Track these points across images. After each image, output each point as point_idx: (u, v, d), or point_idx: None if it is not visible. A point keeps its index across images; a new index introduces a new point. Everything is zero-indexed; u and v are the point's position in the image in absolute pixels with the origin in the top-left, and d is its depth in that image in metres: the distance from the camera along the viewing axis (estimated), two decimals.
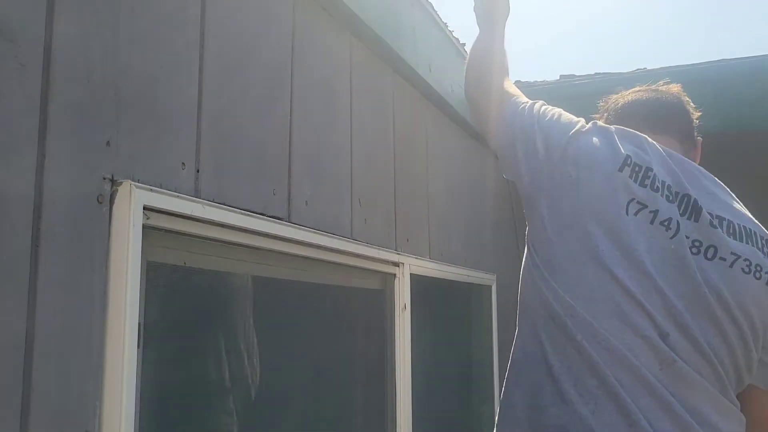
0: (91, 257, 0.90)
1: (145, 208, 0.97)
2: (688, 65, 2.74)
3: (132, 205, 0.94)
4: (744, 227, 1.20)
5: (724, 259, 1.14)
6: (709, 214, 1.16)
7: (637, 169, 1.18)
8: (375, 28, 1.76)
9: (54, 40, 0.86)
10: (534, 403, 1.17)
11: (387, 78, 1.98)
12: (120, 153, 0.95)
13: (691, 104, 1.42)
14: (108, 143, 0.93)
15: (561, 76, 3.11)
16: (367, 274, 1.82)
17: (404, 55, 1.96)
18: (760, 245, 1.19)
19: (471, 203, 2.66)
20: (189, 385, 1.15)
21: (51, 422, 0.83)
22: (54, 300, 0.84)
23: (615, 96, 1.47)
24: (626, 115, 1.39)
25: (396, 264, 1.92)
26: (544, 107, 1.34)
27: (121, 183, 0.94)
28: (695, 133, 1.41)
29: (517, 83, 3.15)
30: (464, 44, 2.48)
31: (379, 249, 1.80)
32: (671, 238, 1.14)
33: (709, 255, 1.14)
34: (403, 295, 1.94)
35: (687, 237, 1.14)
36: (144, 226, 0.97)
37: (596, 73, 3.03)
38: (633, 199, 1.16)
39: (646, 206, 1.15)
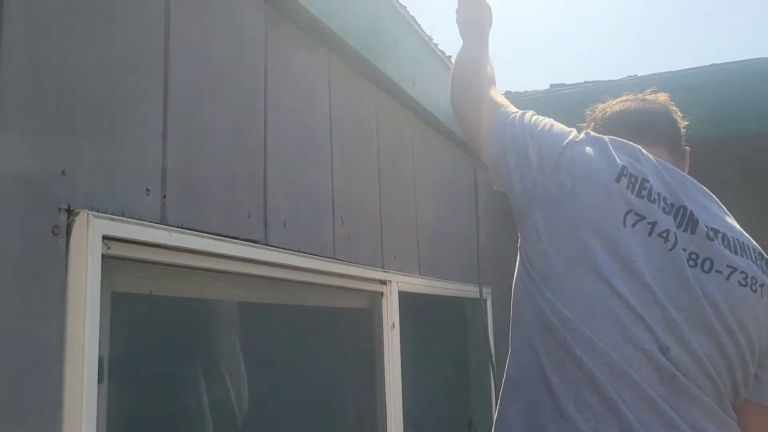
0: (47, 291, 0.87)
1: (104, 237, 0.94)
2: (678, 71, 2.73)
3: (90, 235, 0.91)
4: (737, 240, 1.19)
5: (721, 272, 1.13)
6: (706, 226, 1.15)
7: (633, 179, 1.16)
8: (354, 44, 1.74)
9: (3, 69, 0.84)
10: (531, 421, 1.13)
11: (369, 93, 1.96)
12: (77, 182, 0.93)
13: (679, 113, 1.41)
14: (63, 173, 0.91)
15: (551, 85, 3.09)
16: (352, 293, 1.79)
17: (386, 70, 1.94)
18: (753, 257, 1.19)
19: (464, 215, 2.63)
20: (160, 421, 1.12)
21: None
22: (4, 338, 0.81)
23: (602, 105, 1.45)
24: (614, 125, 1.37)
25: (383, 282, 1.89)
26: (534, 117, 1.32)
27: (78, 213, 0.91)
28: (683, 143, 1.39)
29: (507, 93, 3.13)
30: (450, 56, 2.46)
31: (364, 267, 1.77)
32: (670, 250, 1.12)
33: (706, 268, 1.13)
34: (391, 314, 1.90)
35: (684, 249, 1.13)
36: (105, 256, 0.95)
37: (586, 82, 3.01)
38: (631, 210, 1.14)
39: (644, 217, 1.13)
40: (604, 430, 1.05)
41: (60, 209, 0.90)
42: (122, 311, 1.02)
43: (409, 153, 2.21)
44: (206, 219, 1.19)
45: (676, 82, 2.63)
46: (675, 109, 1.40)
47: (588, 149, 1.21)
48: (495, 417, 1.25)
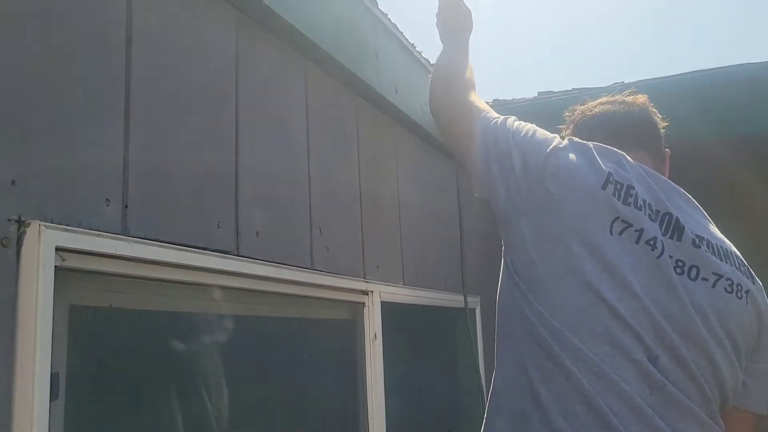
0: None
1: (58, 249, 0.91)
2: (664, 77, 2.71)
3: (41, 246, 0.88)
4: (720, 246, 1.18)
5: (707, 279, 1.12)
6: (692, 233, 1.14)
7: (619, 186, 1.15)
8: (332, 52, 1.72)
9: None
10: None
11: (348, 101, 1.94)
12: (29, 192, 0.90)
13: (658, 114, 1.39)
14: (13, 182, 0.88)
15: (539, 92, 3.08)
16: (333, 304, 1.76)
17: (367, 78, 1.92)
18: (737, 264, 1.18)
19: (450, 223, 2.60)
20: None
21: None
22: None
23: (581, 107, 1.44)
24: (593, 129, 1.36)
25: (364, 292, 1.86)
26: (517, 122, 1.30)
27: (29, 224, 0.88)
28: (663, 145, 1.38)
29: (495, 101, 3.12)
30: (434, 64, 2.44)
31: (343, 278, 1.74)
32: (657, 258, 1.11)
33: (693, 275, 1.12)
34: (373, 325, 1.87)
35: (671, 257, 1.12)
36: (59, 269, 0.92)
37: (573, 89, 2.99)
38: (617, 218, 1.12)
39: (631, 225, 1.12)
40: None
41: (10, 220, 0.87)
42: (81, 325, 0.99)
43: (392, 161, 2.19)
44: (173, 229, 1.16)
45: (663, 88, 2.62)
46: (654, 110, 1.39)
47: (572, 156, 1.20)
48: (481, 430, 1.22)
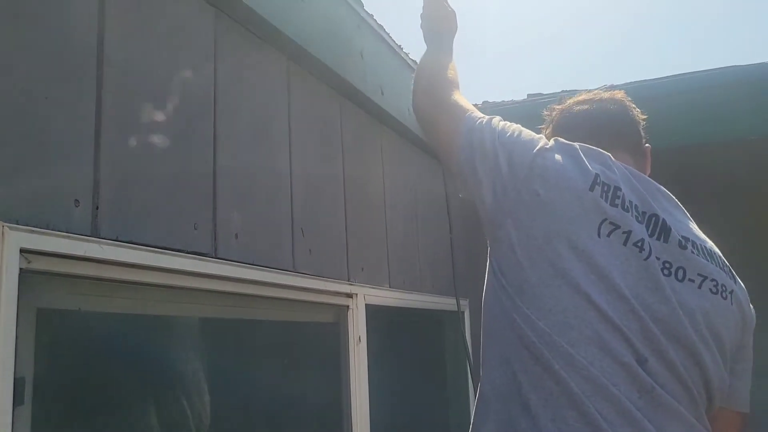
0: None
1: (23, 251, 0.89)
2: (652, 79, 2.71)
3: (5, 248, 0.86)
4: (704, 247, 1.18)
5: (693, 281, 1.12)
6: (678, 234, 1.13)
7: (606, 188, 1.14)
8: (315, 52, 1.71)
9: None
10: None
11: (333, 102, 1.92)
12: None
13: (637, 109, 1.38)
14: None
15: (528, 95, 3.07)
16: (315, 307, 1.74)
17: (352, 80, 1.91)
18: (721, 265, 1.18)
19: (438, 226, 2.58)
20: None
21: None
22: None
23: (559, 106, 1.42)
24: (573, 128, 1.34)
25: (349, 295, 1.84)
26: (502, 122, 1.28)
27: None
28: (644, 140, 1.36)
29: (485, 104, 3.11)
30: None
31: (327, 281, 1.72)
32: (645, 259, 1.10)
33: (679, 276, 1.11)
34: (357, 328, 1.85)
35: (658, 258, 1.11)
36: (24, 271, 0.90)
37: (563, 91, 2.98)
38: (605, 220, 1.11)
39: (619, 227, 1.11)
40: None
41: None
42: (48, 328, 0.97)
43: (378, 162, 2.17)
44: (147, 231, 1.14)
45: (651, 90, 2.62)
46: (633, 105, 1.38)
47: (559, 157, 1.18)
48: None
